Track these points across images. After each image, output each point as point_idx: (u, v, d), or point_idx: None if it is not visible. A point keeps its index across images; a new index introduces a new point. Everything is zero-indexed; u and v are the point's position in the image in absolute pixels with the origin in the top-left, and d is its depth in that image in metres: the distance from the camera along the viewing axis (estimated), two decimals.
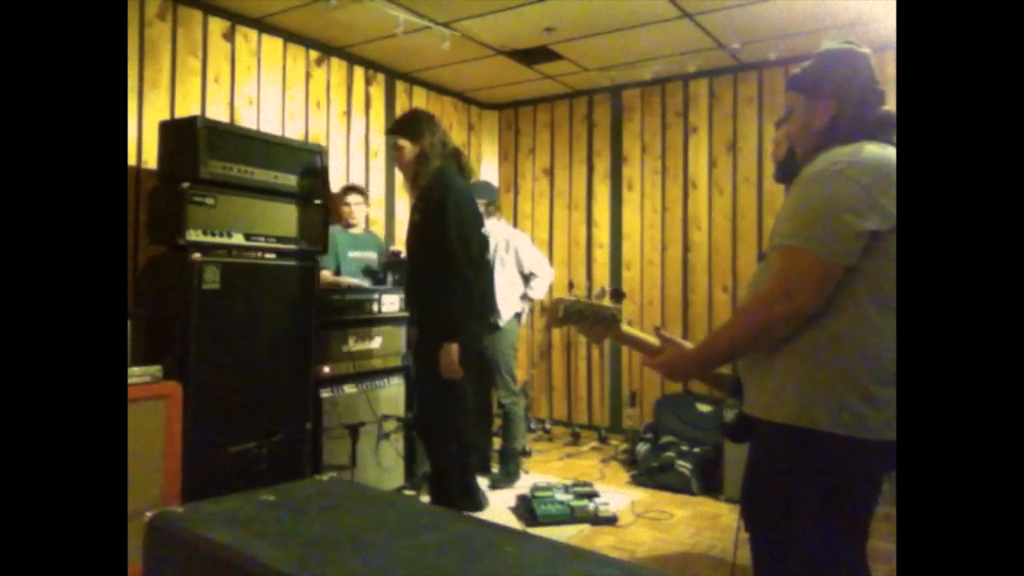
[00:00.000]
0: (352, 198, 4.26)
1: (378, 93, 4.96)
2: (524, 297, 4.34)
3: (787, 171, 1.66)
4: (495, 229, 4.27)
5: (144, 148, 3.57)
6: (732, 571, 1.97)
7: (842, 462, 1.45)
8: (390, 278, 4.13)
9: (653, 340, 1.80)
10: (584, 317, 1.76)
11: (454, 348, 2.89)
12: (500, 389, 4.24)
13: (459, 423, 3.14)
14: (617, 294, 1.81)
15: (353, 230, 4.27)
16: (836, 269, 1.43)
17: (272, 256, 3.36)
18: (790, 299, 1.46)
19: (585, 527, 3.46)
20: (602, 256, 5.45)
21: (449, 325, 2.92)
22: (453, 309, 2.92)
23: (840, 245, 1.42)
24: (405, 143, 3.04)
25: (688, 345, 1.76)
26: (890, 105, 1.56)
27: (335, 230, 4.16)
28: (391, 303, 3.93)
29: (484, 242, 3.23)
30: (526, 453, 4.80)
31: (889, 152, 1.49)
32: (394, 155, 3.15)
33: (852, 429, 1.42)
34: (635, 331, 1.82)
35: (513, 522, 3.52)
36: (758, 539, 1.62)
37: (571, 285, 1.88)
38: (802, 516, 1.48)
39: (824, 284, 1.44)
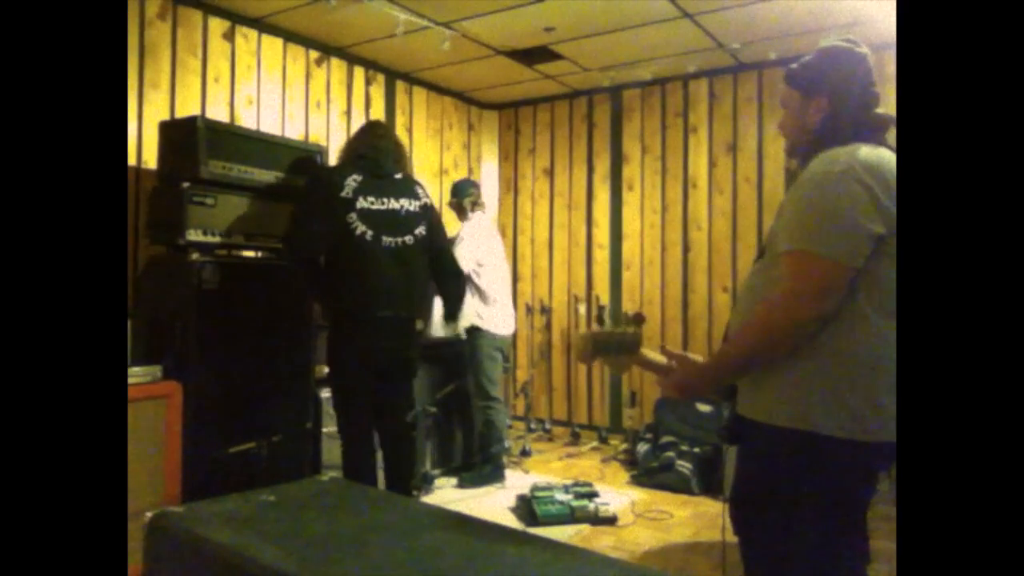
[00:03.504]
0: None
1: (378, 93, 4.96)
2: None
3: (794, 177, 1.64)
4: (480, 226, 4.24)
5: (144, 148, 3.57)
6: (724, 572, 1.96)
7: (843, 464, 1.45)
8: None
9: (662, 359, 1.79)
10: (610, 348, 1.75)
11: None
12: (474, 393, 4.21)
13: (346, 416, 3.06)
14: (638, 318, 1.80)
15: None
16: (849, 272, 1.41)
17: (272, 256, 3.35)
18: (813, 302, 1.42)
19: (585, 527, 3.45)
20: (602, 256, 5.45)
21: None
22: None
23: (851, 247, 1.40)
24: None
25: (697, 358, 1.73)
26: (888, 105, 1.55)
27: None
28: None
29: (341, 225, 2.87)
30: (526, 453, 4.80)
31: (884, 155, 1.48)
32: None
33: (853, 432, 1.42)
34: (652, 355, 1.82)
35: (513, 522, 3.52)
36: (754, 541, 1.61)
37: (600, 319, 1.88)
38: (803, 518, 1.48)
39: (840, 287, 1.42)
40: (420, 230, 3.08)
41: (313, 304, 3.42)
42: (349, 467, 3.02)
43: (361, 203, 2.90)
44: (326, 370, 3.16)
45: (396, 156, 3.09)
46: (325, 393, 3.55)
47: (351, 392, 3.02)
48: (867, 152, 1.47)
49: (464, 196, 4.30)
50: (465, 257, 4.00)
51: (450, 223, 3.83)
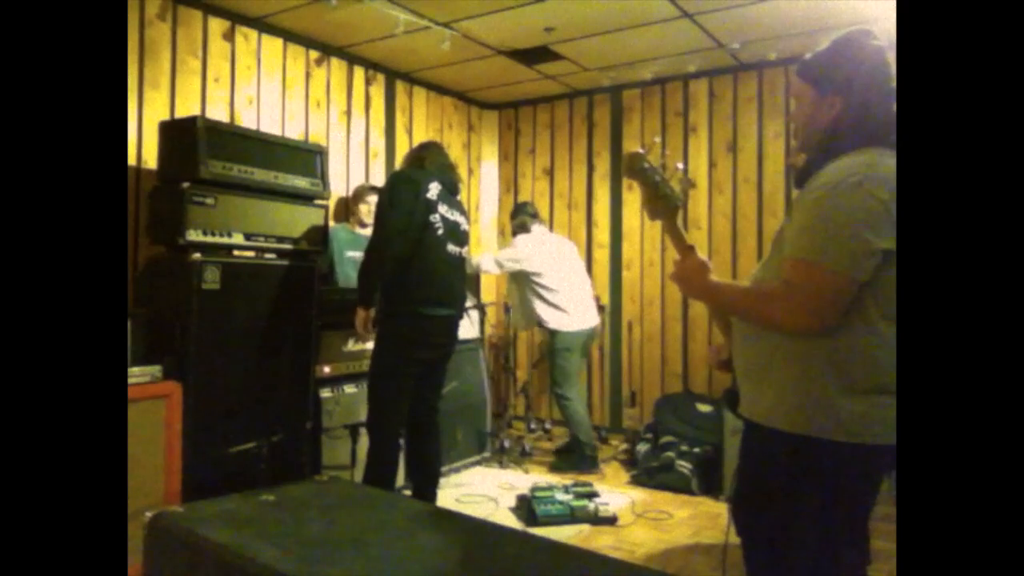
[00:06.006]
0: (372, 198, 4.23)
1: (378, 93, 4.96)
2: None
3: (803, 176, 1.57)
4: (533, 238, 4.61)
5: (144, 148, 3.57)
6: (724, 572, 1.96)
7: (843, 466, 1.44)
8: None
9: (687, 239, 1.70)
10: (656, 187, 1.68)
11: (359, 311, 3.07)
12: (550, 389, 4.63)
13: (385, 409, 3.10)
14: (688, 182, 1.75)
15: (362, 230, 4.25)
16: (851, 285, 1.39)
17: (272, 256, 3.36)
18: (793, 311, 1.43)
19: (585, 527, 3.45)
20: (602, 256, 5.45)
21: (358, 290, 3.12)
22: (360, 276, 3.13)
23: (855, 262, 1.38)
24: None
25: (709, 267, 1.65)
26: None
27: (338, 228, 4.16)
28: None
29: (423, 223, 3.04)
30: (526, 453, 4.79)
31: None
32: None
33: (854, 435, 1.41)
34: (683, 230, 1.73)
35: (513, 522, 3.52)
36: (755, 542, 1.61)
37: (661, 147, 1.76)
38: (803, 519, 1.48)
39: (836, 301, 1.40)
40: (466, 248, 3.36)
41: (316, 304, 3.43)
42: (375, 460, 3.08)
43: (440, 208, 3.14)
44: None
45: (458, 179, 3.37)
46: (325, 393, 3.56)
47: (395, 376, 3.09)
48: (887, 162, 1.42)
49: (518, 215, 4.75)
50: (497, 257, 4.66)
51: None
